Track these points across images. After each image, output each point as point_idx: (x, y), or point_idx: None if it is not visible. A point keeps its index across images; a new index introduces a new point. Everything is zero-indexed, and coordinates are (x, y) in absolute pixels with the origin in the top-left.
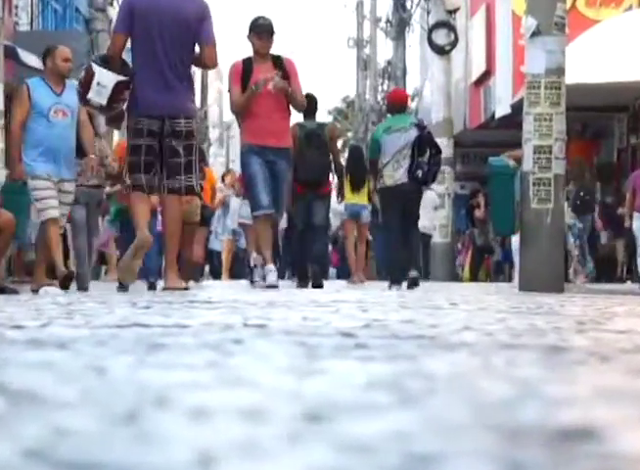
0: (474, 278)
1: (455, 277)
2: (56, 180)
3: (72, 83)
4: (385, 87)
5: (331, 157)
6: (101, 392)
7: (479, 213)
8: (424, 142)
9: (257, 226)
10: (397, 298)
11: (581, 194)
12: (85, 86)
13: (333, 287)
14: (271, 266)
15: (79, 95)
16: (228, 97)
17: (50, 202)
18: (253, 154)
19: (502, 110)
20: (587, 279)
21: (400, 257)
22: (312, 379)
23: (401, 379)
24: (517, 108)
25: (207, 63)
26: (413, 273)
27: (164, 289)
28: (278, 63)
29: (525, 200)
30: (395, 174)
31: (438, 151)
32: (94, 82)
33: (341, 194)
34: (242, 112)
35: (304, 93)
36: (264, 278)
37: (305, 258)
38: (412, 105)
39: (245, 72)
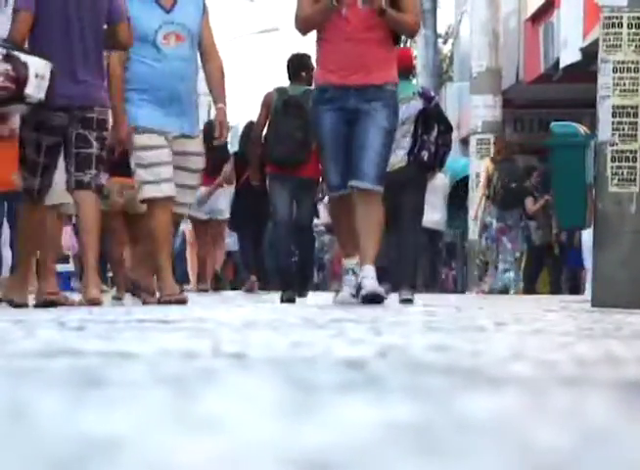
0: (531, 289)
1: (502, 288)
2: (172, 135)
3: None
4: None
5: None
6: (23, 443)
7: (530, 205)
8: (430, 116)
9: (332, 213)
10: (424, 316)
11: (507, 181)
12: (18, 81)
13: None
14: (370, 268)
15: (12, 94)
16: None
17: (163, 170)
18: (327, 103)
19: (569, 56)
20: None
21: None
22: (306, 426)
23: (427, 426)
24: (590, 53)
25: (125, 42)
26: (404, 294)
27: (87, 301)
28: None
29: (602, 181)
30: (393, 157)
31: (449, 128)
32: (30, 74)
33: None
34: (311, 30)
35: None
36: (356, 287)
37: (286, 262)
38: (445, 49)
39: None
